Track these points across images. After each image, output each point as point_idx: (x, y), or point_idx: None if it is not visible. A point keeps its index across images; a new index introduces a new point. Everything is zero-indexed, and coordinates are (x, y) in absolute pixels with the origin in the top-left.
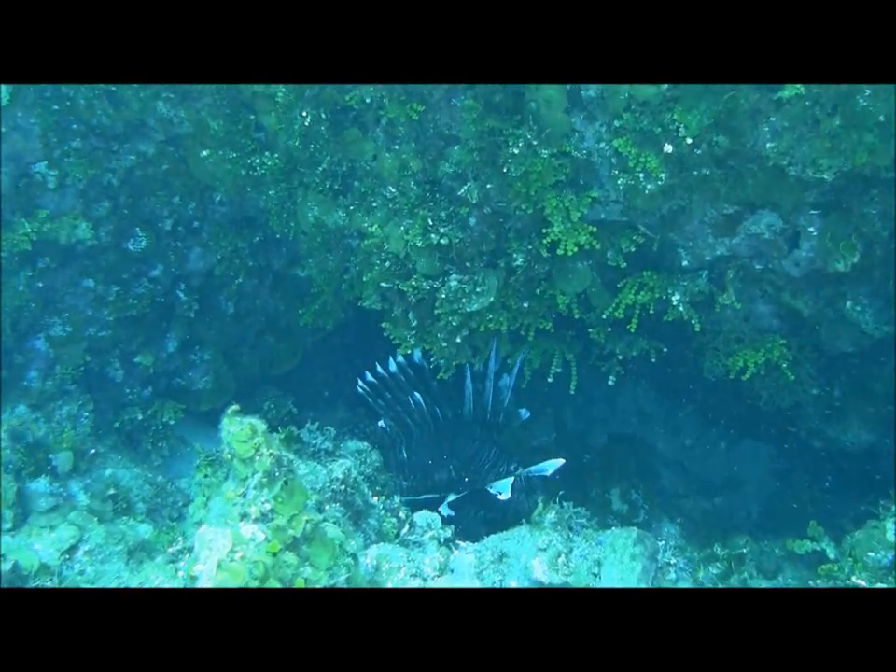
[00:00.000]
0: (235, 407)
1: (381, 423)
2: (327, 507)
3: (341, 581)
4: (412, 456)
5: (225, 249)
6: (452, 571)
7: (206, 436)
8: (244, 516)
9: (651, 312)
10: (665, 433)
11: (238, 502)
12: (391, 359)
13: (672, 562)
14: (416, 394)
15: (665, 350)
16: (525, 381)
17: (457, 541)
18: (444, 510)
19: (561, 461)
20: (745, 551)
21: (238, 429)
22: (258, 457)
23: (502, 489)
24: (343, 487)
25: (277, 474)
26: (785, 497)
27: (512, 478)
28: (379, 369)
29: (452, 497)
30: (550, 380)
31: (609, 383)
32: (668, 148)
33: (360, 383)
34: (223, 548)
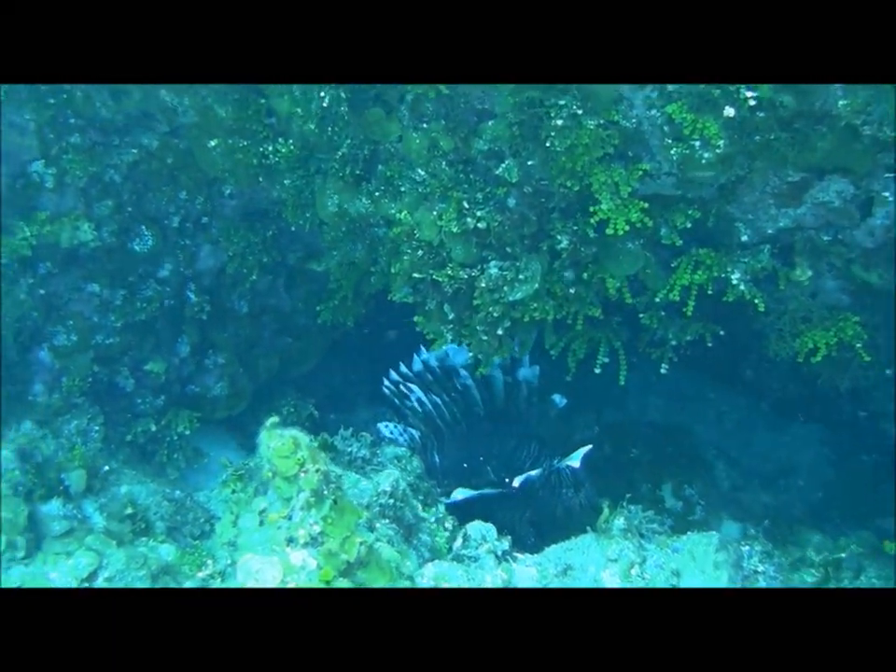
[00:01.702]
0: (274, 419)
1: (383, 425)
2: (377, 524)
3: None
4: (445, 460)
5: (236, 245)
6: None
7: (223, 445)
8: (290, 541)
9: (710, 292)
10: (712, 420)
11: (283, 525)
12: (416, 357)
13: (760, 569)
14: (444, 394)
15: (723, 333)
16: (570, 373)
17: (515, 554)
18: (460, 493)
19: (588, 447)
20: (843, 556)
21: (280, 444)
22: (303, 474)
23: (517, 481)
24: (391, 501)
25: (325, 492)
26: (845, 484)
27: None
28: (404, 368)
29: (485, 491)
30: (597, 371)
31: (662, 371)
32: (729, 112)
33: (386, 382)
34: (273, 579)
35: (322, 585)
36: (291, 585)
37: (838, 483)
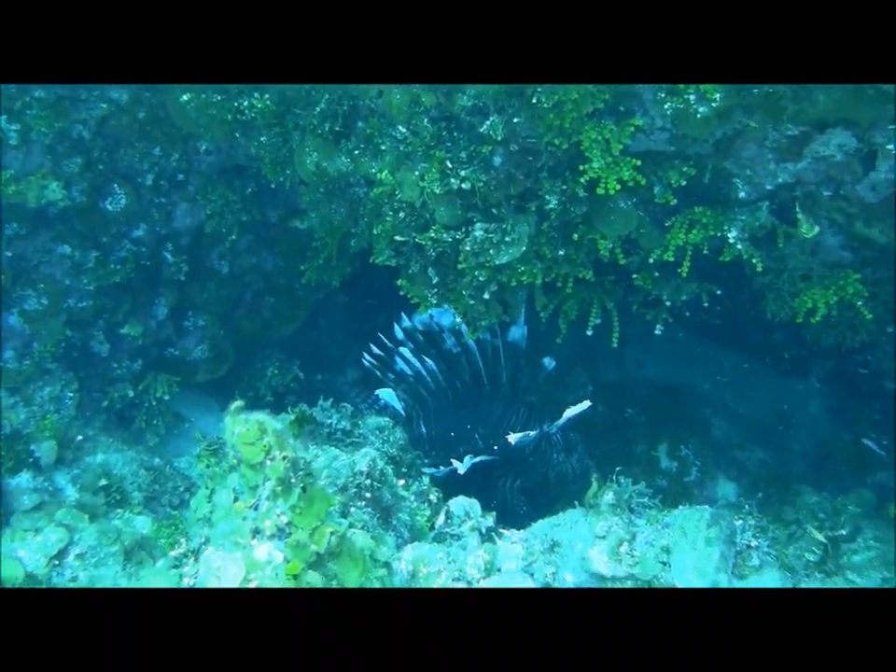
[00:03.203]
0: (239, 403)
1: (380, 392)
2: (352, 508)
3: None
4: (431, 430)
5: (215, 203)
6: (499, 570)
7: (206, 409)
8: (256, 532)
9: (706, 252)
10: (709, 378)
11: (249, 515)
12: (396, 326)
13: (753, 544)
14: (429, 361)
15: (719, 293)
16: (561, 335)
17: (501, 530)
18: (463, 465)
19: (586, 403)
20: (844, 532)
21: (244, 430)
22: (269, 462)
23: (515, 440)
24: (368, 482)
25: (294, 480)
26: (843, 440)
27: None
28: (383, 338)
29: (475, 458)
30: (589, 333)
31: (656, 332)
32: None
33: (366, 356)
34: (234, 577)
35: (290, 579)
36: (254, 583)
37: (837, 437)
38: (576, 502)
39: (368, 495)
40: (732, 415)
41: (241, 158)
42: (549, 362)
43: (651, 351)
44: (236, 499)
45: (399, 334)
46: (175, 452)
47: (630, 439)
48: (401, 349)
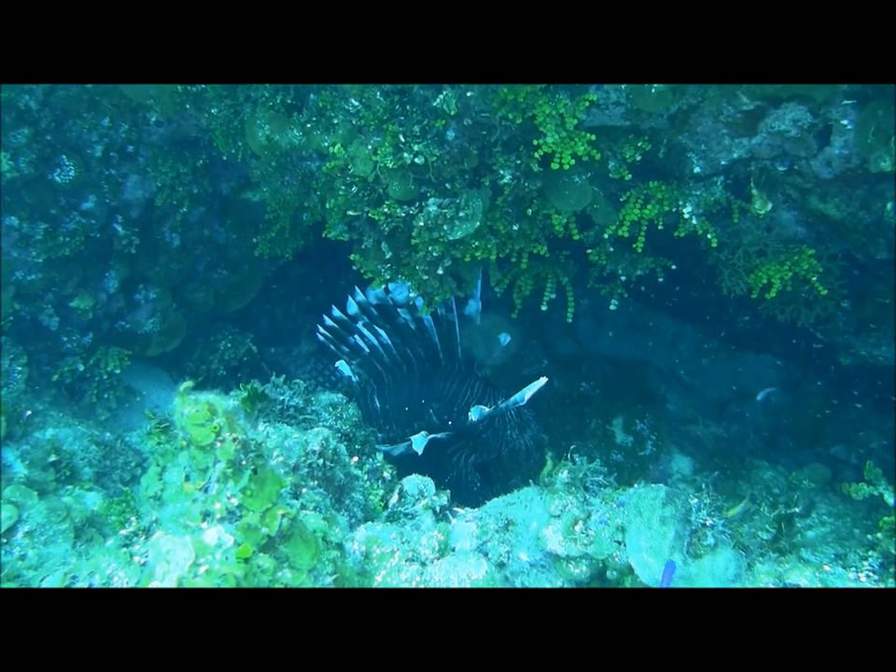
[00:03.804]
0: (188, 383)
1: (339, 364)
2: (304, 489)
3: (327, 581)
4: (385, 405)
5: (165, 175)
6: (453, 550)
7: (158, 382)
8: (206, 515)
9: (660, 227)
10: (664, 352)
11: (199, 498)
12: (350, 299)
13: (708, 523)
14: (383, 334)
15: (675, 267)
16: (516, 310)
17: (455, 508)
18: (418, 443)
19: (543, 380)
20: (797, 510)
21: (194, 410)
22: (219, 443)
23: (475, 414)
24: (321, 461)
25: (244, 462)
26: (798, 413)
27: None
28: (338, 312)
29: (429, 436)
30: (544, 308)
31: (612, 308)
32: None
33: (320, 329)
34: (184, 561)
35: (240, 562)
36: (204, 567)
37: (791, 410)
38: (531, 480)
39: (320, 474)
40: (687, 390)
41: (192, 129)
42: (504, 338)
43: (606, 324)
44: (187, 479)
45: (353, 308)
46: (126, 426)
47: (585, 413)
48: (357, 322)
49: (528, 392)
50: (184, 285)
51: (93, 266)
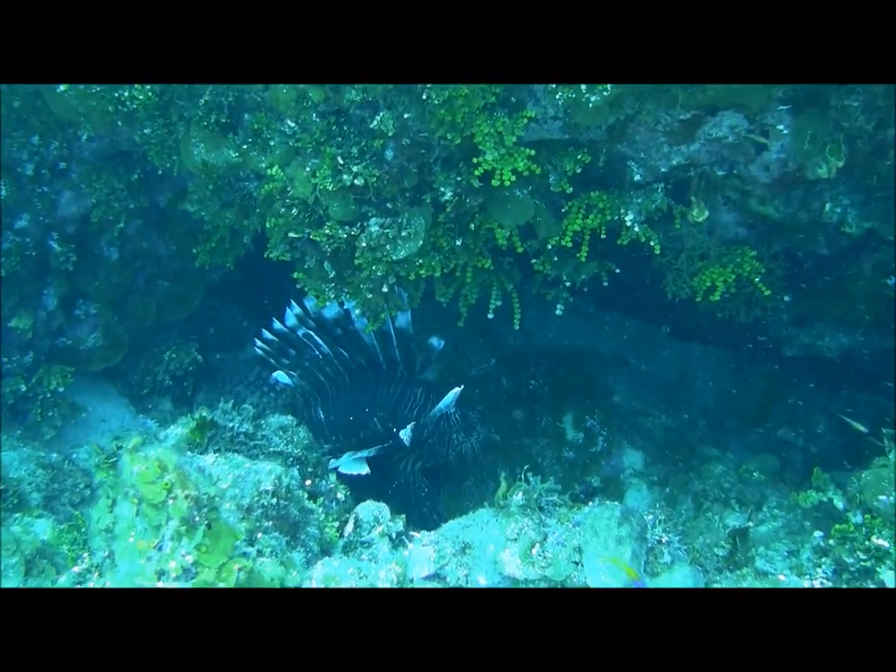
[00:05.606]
0: (137, 440)
1: (276, 374)
2: (259, 534)
3: None
4: (330, 416)
5: (100, 191)
6: (411, 581)
7: (103, 396)
8: (161, 574)
9: (603, 236)
10: (611, 347)
11: (153, 556)
12: (288, 311)
13: (664, 539)
14: (324, 345)
15: (619, 271)
16: (462, 319)
17: (411, 532)
18: (338, 463)
19: (457, 390)
20: (750, 524)
21: (143, 468)
22: (171, 501)
23: (404, 435)
24: (274, 500)
25: (198, 518)
26: (742, 397)
27: (413, 424)
28: (276, 324)
29: (364, 453)
30: (490, 316)
31: (557, 312)
32: None
33: (258, 343)
34: None
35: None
36: None
37: (737, 397)
38: (485, 503)
39: (274, 513)
40: (634, 382)
41: (125, 143)
42: (437, 342)
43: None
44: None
45: (292, 320)
46: (73, 442)
47: (536, 411)
48: (296, 333)
49: (444, 403)
50: (125, 298)
51: (31, 284)
